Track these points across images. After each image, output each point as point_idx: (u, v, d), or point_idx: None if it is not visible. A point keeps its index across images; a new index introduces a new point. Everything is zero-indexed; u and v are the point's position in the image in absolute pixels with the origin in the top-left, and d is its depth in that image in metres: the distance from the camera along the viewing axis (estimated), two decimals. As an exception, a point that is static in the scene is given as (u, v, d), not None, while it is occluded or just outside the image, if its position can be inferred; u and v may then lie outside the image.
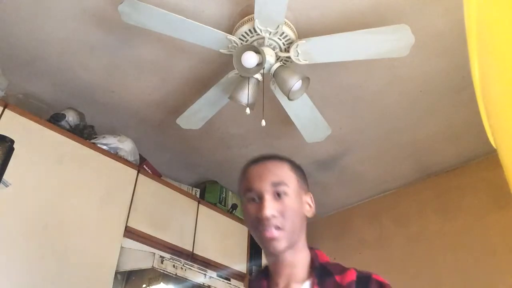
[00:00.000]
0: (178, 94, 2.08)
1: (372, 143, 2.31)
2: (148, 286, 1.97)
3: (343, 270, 0.83)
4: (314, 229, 3.01)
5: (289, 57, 1.62)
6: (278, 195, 0.84)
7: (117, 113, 2.22)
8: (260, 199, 0.84)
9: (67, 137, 1.86)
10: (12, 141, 1.50)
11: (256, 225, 0.84)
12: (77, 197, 1.77)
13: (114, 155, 2.02)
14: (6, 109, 1.69)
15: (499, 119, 0.47)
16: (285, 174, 0.88)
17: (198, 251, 2.20)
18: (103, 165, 1.94)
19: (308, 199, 0.91)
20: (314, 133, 1.99)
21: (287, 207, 0.83)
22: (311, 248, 0.90)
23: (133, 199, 2.00)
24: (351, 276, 0.80)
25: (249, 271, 2.45)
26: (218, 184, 2.70)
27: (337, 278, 0.81)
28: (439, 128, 2.17)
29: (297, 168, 0.93)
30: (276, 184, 0.84)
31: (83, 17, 1.68)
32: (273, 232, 0.81)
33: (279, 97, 1.80)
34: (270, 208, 0.82)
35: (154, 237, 2.02)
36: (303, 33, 1.63)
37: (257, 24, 1.50)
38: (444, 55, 1.75)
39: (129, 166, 2.06)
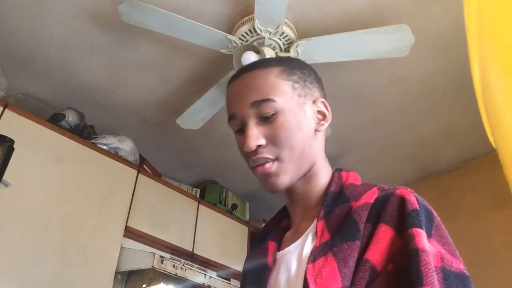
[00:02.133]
0: (178, 94, 2.08)
1: (372, 143, 2.31)
2: (148, 286, 1.97)
3: (364, 192, 0.62)
4: (314, 229, 3.01)
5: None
6: (266, 118, 0.64)
7: (117, 113, 2.22)
8: (244, 126, 0.66)
9: (67, 137, 1.86)
10: (12, 141, 1.50)
11: (247, 161, 0.68)
12: (77, 197, 1.77)
13: (114, 155, 2.02)
14: (6, 109, 1.69)
15: (499, 119, 0.47)
16: (272, 84, 0.65)
17: (198, 251, 2.20)
18: (103, 165, 1.94)
19: (317, 106, 0.68)
20: (314, 133, 1.99)
21: (278, 129, 0.63)
22: (337, 170, 0.72)
23: (133, 199, 2.00)
24: (368, 198, 0.59)
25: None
26: (218, 184, 2.70)
27: (353, 204, 0.60)
28: (439, 128, 2.17)
29: (294, 69, 0.68)
30: (258, 104, 0.64)
31: (83, 17, 1.68)
32: (265, 167, 0.64)
33: (279, 97, 1.80)
34: (254, 138, 0.63)
35: (154, 237, 2.01)
36: (303, 33, 1.63)
37: (257, 24, 1.50)
38: (444, 55, 1.75)
39: (129, 166, 2.06)
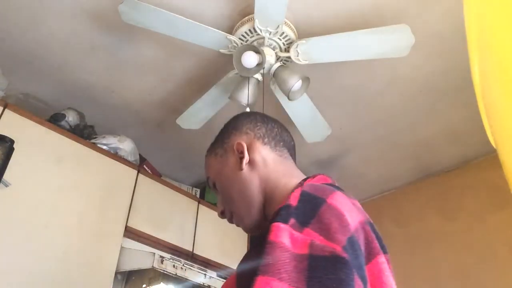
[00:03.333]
0: (178, 94, 2.08)
1: (372, 143, 2.31)
2: (148, 286, 1.97)
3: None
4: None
5: (289, 57, 1.62)
6: (216, 187, 0.80)
7: (117, 113, 2.22)
8: None
9: (67, 137, 1.86)
10: (12, 141, 1.50)
11: None
12: (77, 197, 1.77)
13: (114, 155, 2.02)
14: (6, 109, 1.69)
15: (499, 119, 0.47)
16: (208, 163, 0.82)
17: (198, 251, 2.20)
18: (103, 165, 1.94)
19: (235, 152, 0.77)
20: (314, 133, 1.99)
21: (222, 194, 0.78)
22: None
23: (133, 199, 2.00)
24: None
25: (249, 271, 2.45)
26: (218, 184, 2.70)
27: None
28: (439, 128, 2.17)
29: (215, 142, 0.83)
30: (209, 186, 0.82)
31: (83, 17, 1.68)
32: (234, 224, 0.78)
33: (279, 97, 1.80)
34: (218, 206, 0.80)
35: (154, 237, 2.01)
36: (303, 33, 1.63)
37: (257, 24, 1.50)
38: (444, 55, 1.75)
39: (129, 166, 2.06)
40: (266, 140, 0.78)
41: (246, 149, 0.76)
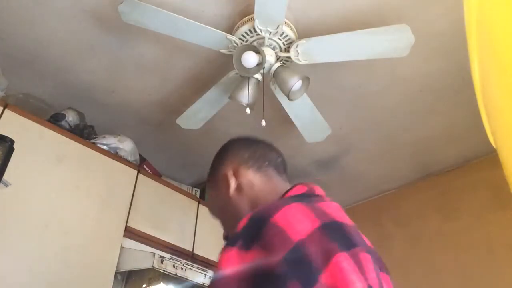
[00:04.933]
0: (178, 94, 2.08)
1: (372, 143, 2.31)
2: (148, 286, 1.98)
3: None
4: (314, 229, 3.01)
5: (289, 57, 1.62)
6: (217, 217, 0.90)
7: (117, 113, 2.22)
8: None
9: (67, 137, 1.86)
10: (12, 141, 1.50)
11: None
12: (77, 197, 1.77)
13: (114, 155, 2.02)
14: (6, 109, 1.69)
15: (499, 119, 0.47)
16: (207, 194, 0.96)
17: (198, 251, 2.20)
18: (103, 165, 1.94)
19: (222, 184, 0.86)
20: (314, 133, 1.99)
21: (220, 220, 0.89)
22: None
23: (133, 199, 2.00)
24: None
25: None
26: (218, 184, 2.70)
27: None
28: (439, 128, 2.17)
29: (209, 173, 0.94)
30: (210, 212, 0.93)
31: (83, 17, 1.68)
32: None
33: (279, 97, 1.80)
34: (223, 232, 0.89)
35: (154, 237, 2.01)
36: (303, 33, 1.63)
37: (257, 24, 1.50)
38: (444, 55, 1.75)
39: (129, 166, 2.06)
40: (250, 163, 0.86)
41: (233, 175, 0.84)
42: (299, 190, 0.77)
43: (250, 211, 0.73)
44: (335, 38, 1.51)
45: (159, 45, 1.80)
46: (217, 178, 0.88)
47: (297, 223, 0.57)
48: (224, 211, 0.86)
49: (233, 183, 0.84)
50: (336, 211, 0.67)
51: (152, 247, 2.00)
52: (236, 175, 0.85)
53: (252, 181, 0.83)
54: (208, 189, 0.93)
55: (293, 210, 0.60)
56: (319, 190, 0.79)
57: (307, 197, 0.72)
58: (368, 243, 0.69)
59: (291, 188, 0.78)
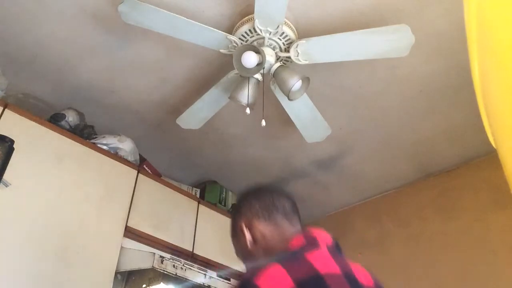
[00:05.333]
0: (178, 94, 2.08)
1: (372, 143, 2.31)
2: (148, 286, 1.97)
3: None
4: (314, 229, 3.01)
5: (289, 57, 1.62)
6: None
7: (117, 113, 2.22)
8: None
9: (67, 137, 1.86)
10: (12, 141, 1.50)
11: None
12: (77, 197, 1.77)
13: (114, 155, 2.02)
14: (6, 109, 1.69)
15: (499, 119, 0.47)
16: (232, 243, 1.04)
17: (198, 251, 2.20)
18: (103, 165, 1.94)
19: (241, 233, 0.97)
20: (314, 133, 1.99)
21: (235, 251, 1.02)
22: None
23: (133, 199, 2.00)
24: None
25: (249, 271, 2.45)
26: (218, 184, 2.70)
27: None
28: (439, 128, 2.17)
29: (232, 214, 1.05)
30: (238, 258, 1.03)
31: (83, 17, 1.68)
32: None
33: (279, 97, 1.80)
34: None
35: (154, 237, 2.01)
36: (303, 33, 1.63)
37: (257, 24, 1.50)
38: (444, 55, 1.75)
39: (129, 166, 2.06)
40: (260, 214, 0.96)
41: (248, 229, 0.95)
42: (297, 242, 0.84)
43: (265, 259, 0.84)
44: (335, 38, 1.51)
45: (159, 45, 1.80)
46: (236, 230, 0.99)
47: (275, 285, 0.67)
48: (245, 258, 0.97)
49: (248, 236, 0.95)
50: (325, 260, 0.75)
51: (152, 247, 2.01)
52: (249, 228, 0.95)
53: (263, 232, 0.94)
54: (232, 240, 1.04)
55: (272, 273, 0.69)
56: (320, 236, 0.85)
57: (297, 253, 0.79)
58: (366, 280, 0.79)
59: (292, 240, 0.87)
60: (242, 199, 1.04)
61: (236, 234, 1.00)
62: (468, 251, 2.14)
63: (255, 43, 1.58)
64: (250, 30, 1.56)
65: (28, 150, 1.68)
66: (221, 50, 1.62)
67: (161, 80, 1.99)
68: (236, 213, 1.03)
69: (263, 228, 0.94)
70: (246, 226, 0.96)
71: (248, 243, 0.94)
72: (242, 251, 0.97)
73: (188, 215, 2.29)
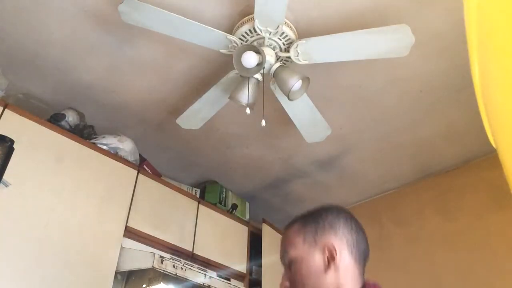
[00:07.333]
0: (178, 94, 2.08)
1: (372, 143, 2.31)
2: (148, 286, 1.97)
3: None
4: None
5: (289, 57, 1.62)
6: (287, 265, 0.86)
7: (117, 113, 2.22)
8: None
9: (67, 137, 1.86)
10: (12, 141, 1.50)
11: None
12: (77, 197, 1.77)
13: (114, 155, 2.02)
14: (6, 109, 1.69)
15: (499, 119, 0.47)
16: (289, 240, 0.87)
17: (198, 251, 2.20)
18: (103, 165, 1.94)
19: (325, 251, 0.83)
20: (314, 133, 1.99)
21: (294, 274, 0.83)
22: None
23: (133, 199, 2.00)
24: None
25: (249, 271, 2.45)
26: (218, 184, 2.70)
27: None
28: (439, 128, 2.17)
29: (308, 223, 0.87)
30: (282, 257, 0.87)
31: (83, 17, 1.68)
32: None
33: (279, 97, 1.80)
34: (283, 280, 0.86)
35: (154, 237, 2.02)
36: (303, 33, 1.63)
37: (257, 24, 1.50)
38: (444, 55, 1.75)
39: (129, 166, 2.06)
40: (353, 250, 0.84)
41: (337, 254, 0.81)
42: None
43: None
44: (335, 38, 1.51)
45: (159, 45, 1.80)
46: (318, 242, 0.85)
47: None
48: (305, 277, 0.84)
49: (337, 264, 0.83)
50: None
51: (152, 247, 2.01)
52: (339, 254, 0.84)
53: (348, 269, 0.83)
54: (296, 238, 0.89)
55: None
56: None
57: None
58: None
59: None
60: (343, 216, 0.88)
61: (312, 243, 0.85)
62: (468, 251, 2.14)
63: (255, 43, 1.58)
64: (250, 30, 1.56)
65: (28, 150, 1.68)
66: (221, 50, 1.62)
67: (161, 80, 1.99)
68: (328, 223, 0.87)
69: (349, 264, 0.83)
70: (338, 251, 0.82)
71: (332, 269, 0.81)
72: (305, 267, 0.84)
73: (188, 215, 2.29)
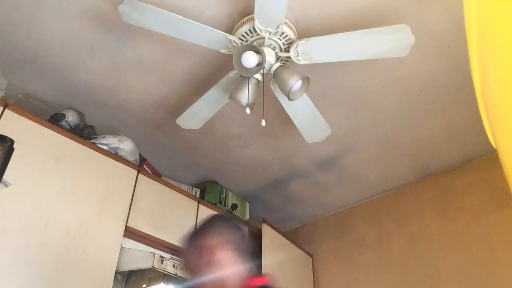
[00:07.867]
0: (178, 94, 2.08)
1: (372, 143, 2.31)
2: (148, 286, 1.97)
3: None
4: (314, 229, 3.01)
5: (289, 57, 1.62)
6: None
7: (117, 113, 2.22)
8: None
9: (67, 137, 1.86)
10: (12, 141, 1.50)
11: None
12: (77, 197, 1.77)
13: (114, 155, 2.02)
14: (6, 109, 1.68)
15: (499, 119, 0.47)
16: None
17: (198, 251, 2.19)
18: (103, 165, 1.94)
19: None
20: (314, 133, 1.99)
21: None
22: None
23: (133, 199, 2.00)
24: None
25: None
26: (218, 184, 2.70)
27: None
28: (439, 128, 2.17)
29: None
30: None
31: (83, 17, 1.68)
32: None
33: (279, 97, 1.80)
34: None
35: (154, 237, 2.01)
36: (303, 33, 1.63)
37: (257, 24, 1.50)
38: (444, 55, 1.75)
39: (129, 166, 2.06)
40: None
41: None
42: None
43: None
44: (335, 38, 1.51)
45: (159, 45, 1.80)
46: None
47: None
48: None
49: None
50: None
51: (152, 247, 2.01)
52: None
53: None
54: None
55: None
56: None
57: None
58: None
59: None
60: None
61: None
62: (468, 251, 2.14)
63: (255, 43, 1.58)
64: (250, 30, 1.56)
65: (28, 150, 1.68)
66: (221, 50, 1.62)
67: (161, 80, 1.99)
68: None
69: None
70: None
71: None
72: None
73: (188, 215, 2.28)
